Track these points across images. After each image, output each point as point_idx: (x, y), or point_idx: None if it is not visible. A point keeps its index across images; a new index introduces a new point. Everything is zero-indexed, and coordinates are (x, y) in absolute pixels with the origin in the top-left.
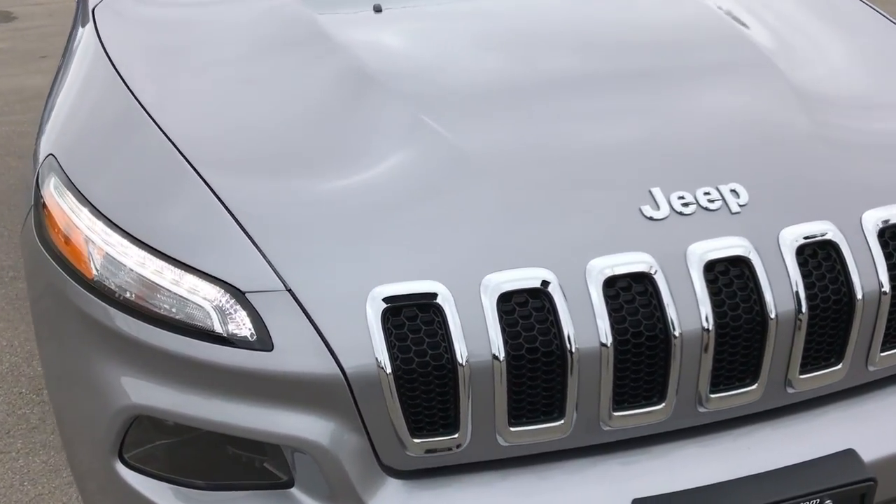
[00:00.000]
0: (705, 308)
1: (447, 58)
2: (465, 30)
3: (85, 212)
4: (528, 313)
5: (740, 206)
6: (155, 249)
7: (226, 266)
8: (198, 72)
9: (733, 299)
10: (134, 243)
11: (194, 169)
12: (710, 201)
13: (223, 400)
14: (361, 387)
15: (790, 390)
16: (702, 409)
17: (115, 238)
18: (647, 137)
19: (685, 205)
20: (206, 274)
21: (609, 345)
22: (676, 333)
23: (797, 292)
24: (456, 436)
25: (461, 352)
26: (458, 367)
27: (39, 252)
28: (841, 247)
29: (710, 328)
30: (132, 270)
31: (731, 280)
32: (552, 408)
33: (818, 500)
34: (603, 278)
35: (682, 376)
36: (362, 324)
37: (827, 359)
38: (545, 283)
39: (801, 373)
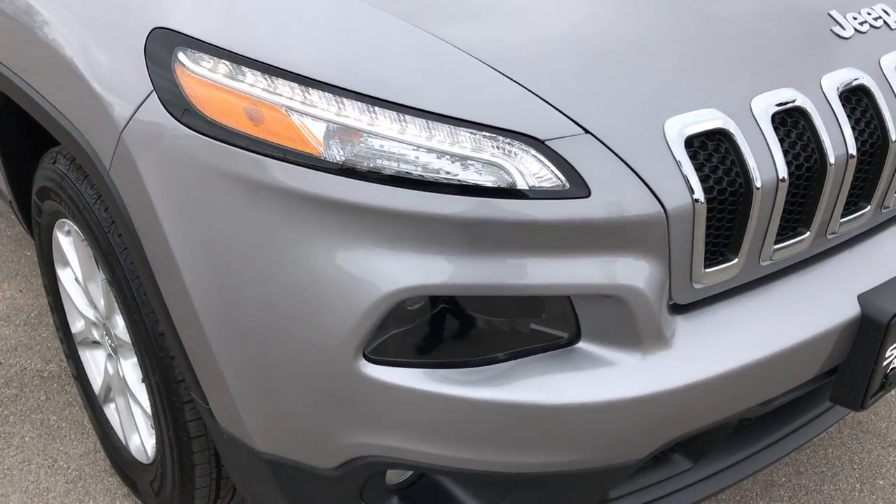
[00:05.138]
0: None
1: None
2: None
3: (270, 81)
4: (788, 131)
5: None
6: (409, 107)
7: (506, 116)
8: None
9: None
10: (375, 104)
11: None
12: (875, 19)
13: (515, 259)
14: (677, 222)
15: None
16: (884, 210)
17: (342, 103)
18: None
19: (861, 24)
20: (489, 126)
21: (855, 155)
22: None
23: None
24: (735, 262)
25: (756, 176)
26: (755, 190)
27: (201, 148)
28: None
29: None
30: (384, 136)
31: None
32: (800, 223)
33: None
34: (838, 92)
35: (886, 181)
36: (668, 158)
37: None
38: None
39: None
